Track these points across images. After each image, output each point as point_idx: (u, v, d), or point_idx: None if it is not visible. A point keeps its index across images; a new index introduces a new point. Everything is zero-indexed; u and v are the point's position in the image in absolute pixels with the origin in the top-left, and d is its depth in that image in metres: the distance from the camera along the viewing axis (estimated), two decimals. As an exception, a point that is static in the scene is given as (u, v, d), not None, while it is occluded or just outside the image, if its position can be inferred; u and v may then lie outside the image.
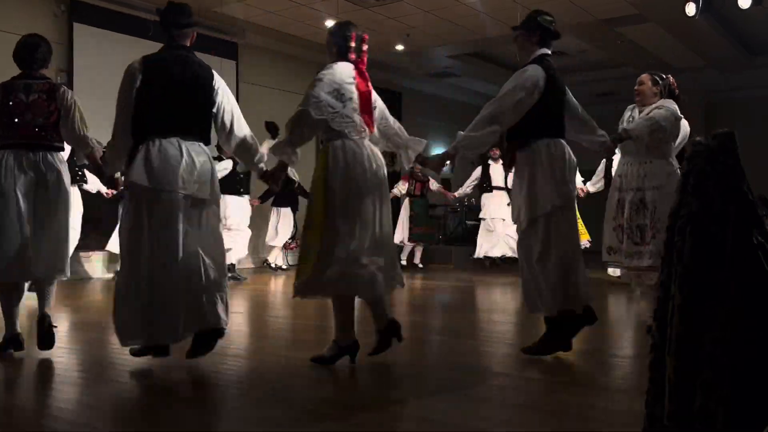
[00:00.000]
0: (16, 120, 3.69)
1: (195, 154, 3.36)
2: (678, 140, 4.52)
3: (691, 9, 8.10)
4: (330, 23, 9.71)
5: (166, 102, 3.37)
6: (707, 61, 12.07)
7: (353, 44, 3.52)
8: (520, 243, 3.76)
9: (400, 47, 11.17)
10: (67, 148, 4.26)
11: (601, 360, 3.77)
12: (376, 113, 3.65)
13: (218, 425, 2.64)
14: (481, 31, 10.14)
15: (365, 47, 3.60)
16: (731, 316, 1.30)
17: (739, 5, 8.02)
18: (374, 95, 3.64)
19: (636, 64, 12.32)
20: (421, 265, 10.46)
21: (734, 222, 1.33)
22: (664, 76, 4.60)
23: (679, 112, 4.35)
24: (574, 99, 3.87)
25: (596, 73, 13.12)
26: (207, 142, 3.51)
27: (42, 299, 3.75)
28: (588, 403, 2.82)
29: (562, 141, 3.67)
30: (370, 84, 3.62)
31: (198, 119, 3.46)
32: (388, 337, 3.48)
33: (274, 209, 9.17)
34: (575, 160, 3.65)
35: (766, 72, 12.29)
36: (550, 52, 3.77)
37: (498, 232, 9.64)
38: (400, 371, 3.51)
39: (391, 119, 3.79)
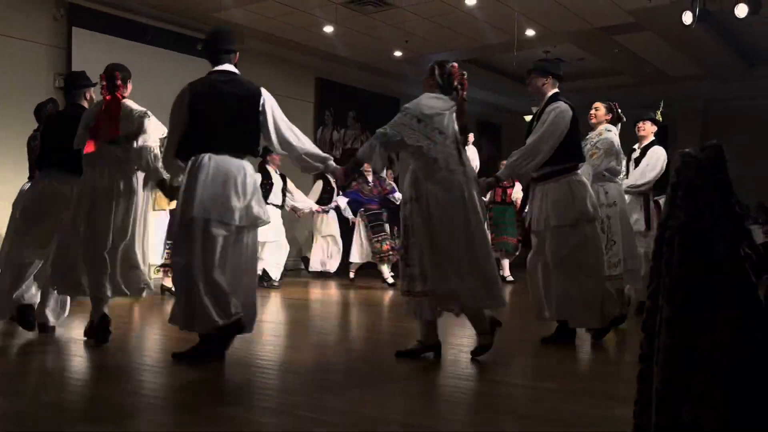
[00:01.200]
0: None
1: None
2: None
3: (688, 18, 8.12)
4: (329, 29, 9.76)
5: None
6: (705, 71, 12.10)
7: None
8: None
9: (398, 53, 11.20)
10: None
11: (609, 371, 3.78)
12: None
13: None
14: (479, 38, 10.17)
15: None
16: (720, 329, 1.31)
17: (736, 14, 8.04)
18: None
19: (633, 72, 12.37)
20: (511, 278, 9.06)
21: (723, 234, 1.33)
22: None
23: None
24: None
25: (593, 81, 13.15)
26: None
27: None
28: (601, 414, 2.82)
29: None
30: None
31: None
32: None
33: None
34: None
35: (765, 81, 12.32)
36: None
37: None
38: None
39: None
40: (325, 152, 4.06)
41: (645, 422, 1.41)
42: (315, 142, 6.72)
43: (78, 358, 3.96)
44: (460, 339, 4.52)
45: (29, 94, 8.01)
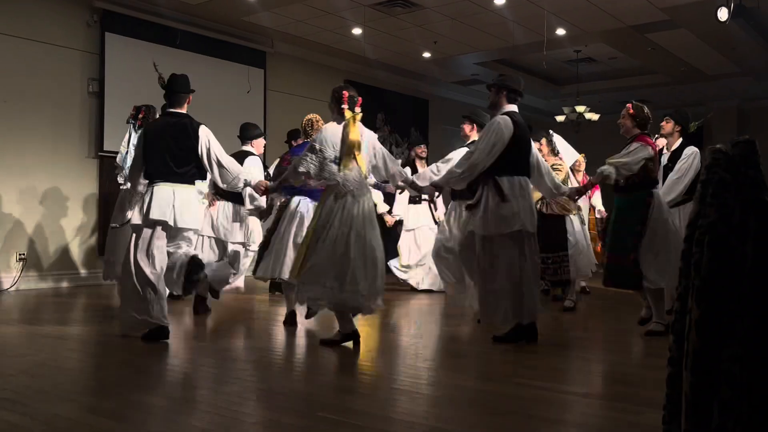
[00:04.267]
0: None
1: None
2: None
3: (723, 14, 7.94)
4: (358, 31, 9.77)
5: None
6: (741, 68, 11.82)
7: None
8: None
9: (427, 55, 11.16)
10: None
11: (635, 374, 3.69)
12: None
13: None
14: (508, 38, 10.07)
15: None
16: (750, 332, 1.25)
17: (773, 10, 7.83)
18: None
19: (667, 71, 12.13)
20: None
21: (754, 233, 1.27)
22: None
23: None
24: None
25: (626, 80, 12.95)
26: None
27: None
28: (630, 420, 2.75)
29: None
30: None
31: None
32: None
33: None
34: None
35: (803, 78, 12.01)
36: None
37: None
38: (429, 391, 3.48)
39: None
40: None
41: (674, 429, 1.36)
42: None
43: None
44: (484, 343, 4.46)
45: (64, 98, 8.17)
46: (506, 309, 4.34)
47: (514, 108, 4.62)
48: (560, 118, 12.56)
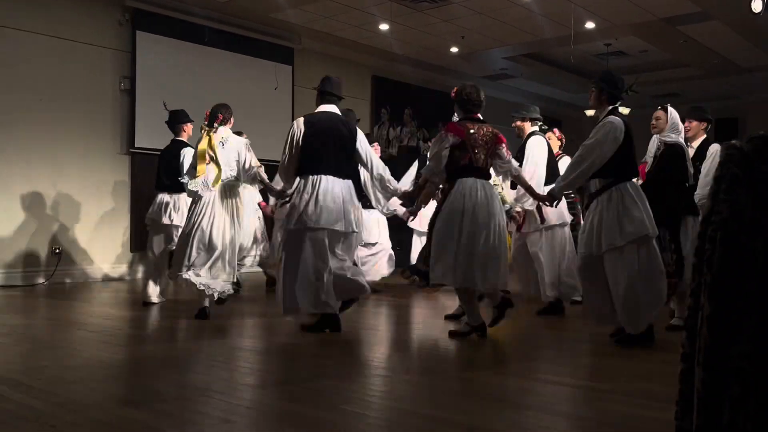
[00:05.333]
0: None
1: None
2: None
3: (757, 5, 7.78)
4: (384, 26, 9.78)
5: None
6: (777, 60, 11.57)
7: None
8: None
9: (454, 49, 11.13)
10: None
11: (654, 369, 3.67)
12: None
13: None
14: (537, 32, 10.00)
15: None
16: (760, 329, 1.25)
17: (810, 1, 7.64)
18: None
19: (700, 64, 11.92)
20: None
21: (765, 231, 1.27)
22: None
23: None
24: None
25: (658, 74, 12.74)
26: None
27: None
28: (639, 414, 2.74)
29: None
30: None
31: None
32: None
33: None
34: None
35: (842, 70, 11.70)
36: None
37: None
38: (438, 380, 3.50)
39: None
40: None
41: (686, 425, 1.36)
42: (371, 139, 6.68)
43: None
44: (507, 336, 4.46)
45: (96, 96, 8.34)
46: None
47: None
48: (590, 113, 12.41)
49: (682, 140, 4.93)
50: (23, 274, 7.62)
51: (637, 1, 8.66)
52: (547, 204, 4.77)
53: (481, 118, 4.69)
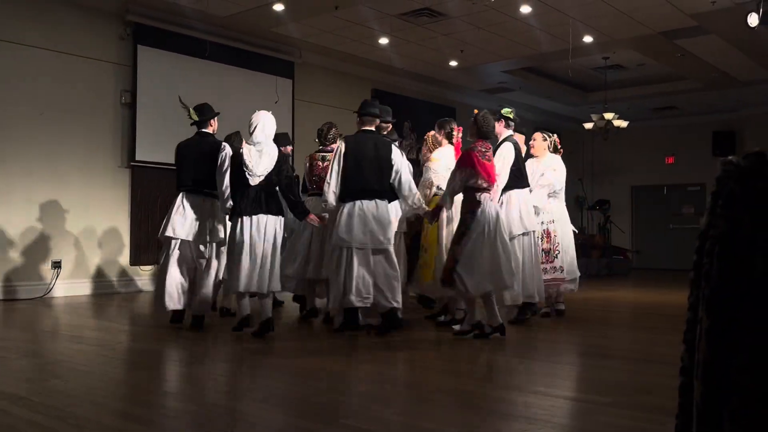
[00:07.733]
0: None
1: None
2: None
3: (753, 20, 7.85)
4: (384, 41, 9.85)
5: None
6: (774, 73, 11.64)
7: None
8: None
9: (453, 63, 11.20)
10: None
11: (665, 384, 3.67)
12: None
13: None
14: (535, 46, 10.06)
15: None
16: (758, 343, 1.26)
17: (806, 15, 7.71)
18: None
19: (697, 77, 11.99)
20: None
21: (763, 247, 1.29)
22: (551, 134, 6.50)
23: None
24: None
25: (655, 87, 12.82)
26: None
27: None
28: (640, 427, 2.75)
29: None
30: None
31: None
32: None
33: None
34: None
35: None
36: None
37: None
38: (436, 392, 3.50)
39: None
40: None
41: (686, 438, 1.37)
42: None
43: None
44: (512, 347, 4.46)
45: (98, 109, 8.39)
46: None
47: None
48: (588, 126, 12.49)
49: None
50: (23, 287, 7.63)
51: (635, 16, 8.73)
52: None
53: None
